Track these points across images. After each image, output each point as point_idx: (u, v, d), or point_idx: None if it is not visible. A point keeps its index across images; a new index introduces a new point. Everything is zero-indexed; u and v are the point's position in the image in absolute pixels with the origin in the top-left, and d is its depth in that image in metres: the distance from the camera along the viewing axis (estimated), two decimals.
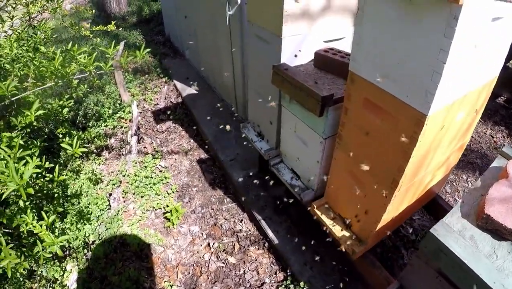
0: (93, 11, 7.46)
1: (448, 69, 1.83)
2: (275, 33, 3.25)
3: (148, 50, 3.91)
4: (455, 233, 2.26)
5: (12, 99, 3.24)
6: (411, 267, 2.66)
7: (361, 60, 2.35)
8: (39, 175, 3.39)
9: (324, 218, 3.25)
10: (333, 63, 3.13)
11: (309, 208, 3.48)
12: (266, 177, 4.02)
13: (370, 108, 2.42)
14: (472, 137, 6.09)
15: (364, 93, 2.41)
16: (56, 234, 3.43)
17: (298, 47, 3.36)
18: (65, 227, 4.09)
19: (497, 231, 2.27)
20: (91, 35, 4.53)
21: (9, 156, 2.76)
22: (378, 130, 2.42)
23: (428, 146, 2.34)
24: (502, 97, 7.17)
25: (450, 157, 3.05)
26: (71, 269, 3.89)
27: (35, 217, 3.09)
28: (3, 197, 2.56)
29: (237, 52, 4.95)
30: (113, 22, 4.76)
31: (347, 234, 3.11)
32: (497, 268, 2.06)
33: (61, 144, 3.55)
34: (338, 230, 3.15)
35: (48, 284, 3.74)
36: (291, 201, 3.70)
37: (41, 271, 3.74)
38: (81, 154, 3.65)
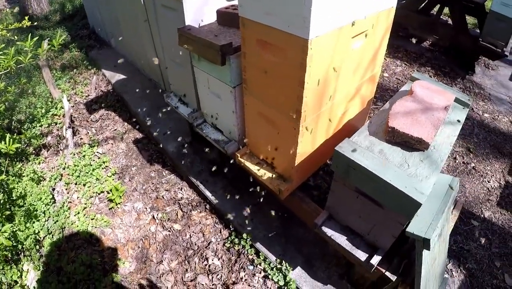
0: (15, 15, 7.32)
1: None
2: None
3: (63, 37, 3.92)
4: (361, 148, 2.37)
5: None
6: (332, 193, 2.77)
7: (246, 4, 2.46)
8: None
9: (248, 164, 3.35)
10: (233, 17, 3.22)
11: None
12: (199, 144, 4.09)
13: (263, 47, 2.53)
14: (399, 79, 6.30)
15: (255, 34, 2.52)
16: (6, 236, 3.44)
17: (201, 9, 3.43)
18: (15, 229, 4.09)
19: (406, 143, 2.40)
20: (8, 35, 4.48)
21: None
22: (273, 66, 2.53)
23: (323, 73, 2.45)
24: (427, 42, 7.41)
25: (362, 89, 3.16)
26: (27, 269, 3.89)
27: None
28: None
29: (154, 28, 4.97)
30: (26, 18, 4.71)
31: (272, 175, 3.23)
32: (408, 175, 2.17)
33: None
34: (263, 174, 3.25)
35: (9, 288, 3.75)
36: (220, 155, 3.76)
37: (0, 278, 3.75)
38: (15, 151, 3.66)
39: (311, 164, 3.21)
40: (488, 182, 4.50)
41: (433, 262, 2.66)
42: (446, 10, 7.15)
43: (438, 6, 7.09)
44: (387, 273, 2.75)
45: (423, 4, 7.08)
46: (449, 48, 7.04)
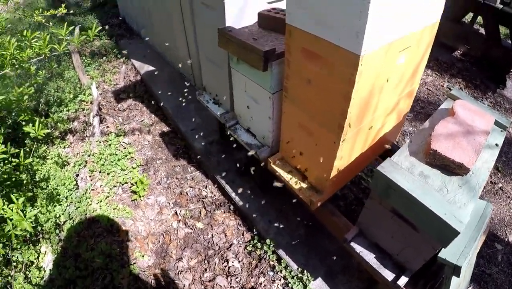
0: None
1: (373, 9, 1.89)
2: None
3: (99, 28, 3.93)
4: (403, 170, 2.33)
5: None
6: (367, 210, 2.74)
7: (295, 12, 2.42)
8: (5, 161, 3.41)
9: (281, 172, 3.33)
10: (275, 21, 3.20)
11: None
12: (227, 142, 4.08)
13: (309, 57, 2.49)
14: (429, 90, 6.23)
15: (301, 43, 2.49)
16: (28, 217, 3.47)
17: (242, 10, 3.42)
18: (36, 210, 4.12)
19: (446, 167, 2.35)
20: (43, 21, 4.50)
21: None
22: (319, 78, 2.50)
23: (369, 89, 2.41)
24: (458, 51, 7.31)
25: (400, 103, 3.12)
26: (45, 251, 3.92)
27: (6, 202, 3.12)
28: None
29: (189, 23, 4.97)
30: (63, 5, 4.73)
31: (304, 185, 3.20)
32: (448, 201, 2.13)
33: (24, 128, 3.56)
34: (295, 183, 3.22)
35: (25, 267, 3.78)
36: (248, 157, 3.75)
37: (17, 257, 3.78)
38: (43, 136, 3.68)
39: (344, 177, 3.18)
40: None
41: (458, 286, 2.63)
42: (479, 19, 7.06)
43: (471, 14, 7.00)
44: None
45: (455, 13, 6.97)
46: (480, 59, 6.94)
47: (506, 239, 4.07)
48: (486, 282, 3.67)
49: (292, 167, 3.37)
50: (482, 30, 7.58)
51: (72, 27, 3.93)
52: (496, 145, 2.66)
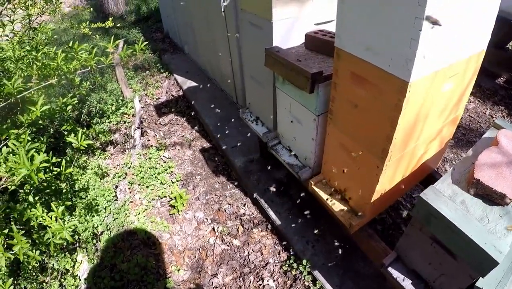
0: (91, 12, 7.49)
1: (424, 36, 1.90)
2: (265, 17, 3.33)
3: (145, 43, 3.99)
4: (445, 198, 2.30)
5: (18, 96, 3.33)
6: (406, 236, 2.71)
7: (345, 36, 2.44)
8: (47, 170, 3.48)
9: (321, 194, 3.32)
10: (322, 43, 3.21)
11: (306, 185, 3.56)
12: (268, 161, 4.09)
13: (357, 81, 2.50)
14: (471, 116, 6.14)
15: (350, 67, 2.50)
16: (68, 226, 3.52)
17: (289, 30, 3.44)
18: (74, 220, 4.19)
19: (488, 196, 2.31)
20: (90, 33, 4.61)
21: (17, 148, 2.85)
22: (365, 102, 2.50)
23: (415, 115, 2.41)
24: (501, 78, 7.18)
25: (443, 131, 3.09)
26: (81, 260, 3.98)
27: (45, 210, 3.19)
28: (16, 182, 2.66)
29: (233, 41, 5.03)
30: (110, 19, 4.85)
31: (344, 208, 3.18)
32: (488, 231, 2.09)
33: (66, 138, 3.63)
34: (335, 205, 3.21)
35: (60, 275, 3.84)
36: (288, 176, 3.75)
37: (53, 264, 3.84)
38: (86, 147, 3.74)
39: (385, 201, 3.15)
40: None
41: None
42: None
43: None
44: None
45: (500, 39, 6.87)
46: None
47: None
48: None
49: (332, 189, 3.36)
50: None
51: (118, 41, 4.00)
52: None
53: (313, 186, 3.39)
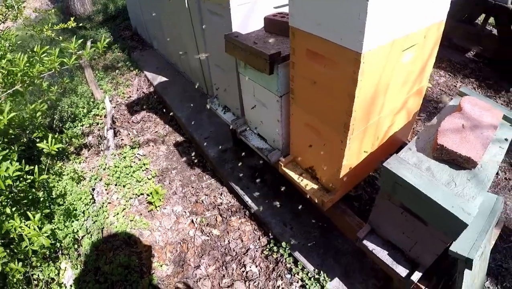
0: (58, 15, 7.41)
1: (372, 7, 1.91)
2: (223, 4, 3.34)
3: (108, 40, 3.96)
4: (409, 165, 2.32)
5: None
6: (377, 207, 2.74)
7: (297, 14, 2.45)
8: (21, 179, 3.45)
9: (292, 174, 3.34)
10: (280, 25, 3.21)
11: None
12: (241, 149, 4.10)
13: (313, 58, 2.51)
14: (442, 90, 6.19)
15: (305, 44, 2.50)
16: (47, 236, 3.49)
17: (248, 15, 3.44)
18: (54, 227, 4.15)
19: (454, 161, 2.34)
20: (53, 35, 4.54)
21: None
22: (323, 78, 2.51)
23: (374, 87, 2.42)
24: (471, 52, 7.26)
25: (409, 102, 3.11)
26: (65, 267, 3.96)
27: (23, 220, 3.15)
28: None
29: (199, 32, 5.00)
30: (72, 19, 4.78)
31: (315, 186, 3.21)
32: (456, 194, 2.12)
33: (37, 145, 3.59)
34: (306, 184, 3.24)
35: (46, 285, 3.81)
36: (261, 162, 3.75)
37: (38, 274, 3.81)
38: (57, 151, 3.70)
39: (355, 176, 3.18)
40: None
41: (473, 280, 2.61)
42: (491, 19, 6.99)
43: (483, 15, 6.95)
44: None
45: (467, 14, 6.93)
46: (493, 59, 6.87)
47: None
48: (504, 276, 3.62)
49: (303, 169, 3.38)
50: (494, 31, 7.52)
51: (80, 40, 3.95)
52: (506, 140, 2.63)
53: (283, 167, 3.41)
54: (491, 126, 2.49)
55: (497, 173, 4.63)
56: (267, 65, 2.85)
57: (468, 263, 2.18)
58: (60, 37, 4.75)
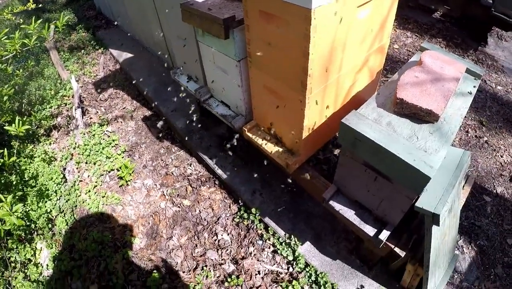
0: (21, 0, 7.25)
1: None
2: None
3: (67, 17, 3.92)
4: (369, 120, 2.33)
5: None
6: (340, 166, 2.74)
7: None
8: None
9: (256, 139, 3.35)
10: None
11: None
12: (208, 119, 4.10)
13: (266, 19, 2.49)
14: (409, 51, 6.23)
15: (257, 5, 2.48)
16: (18, 216, 3.48)
17: None
18: (28, 209, 4.15)
19: (415, 115, 2.34)
20: (13, 19, 4.49)
21: None
22: (277, 38, 2.50)
23: (329, 44, 2.41)
24: (438, 12, 7.27)
25: (370, 60, 3.11)
26: (41, 247, 3.97)
27: None
28: None
29: (160, 4, 4.95)
30: (31, 0, 4.71)
31: (279, 149, 3.22)
32: (418, 148, 2.12)
33: (5, 128, 3.57)
34: (271, 148, 3.25)
35: (23, 266, 3.82)
36: (228, 130, 3.75)
37: (14, 257, 3.82)
38: (25, 132, 3.68)
39: (319, 137, 3.19)
40: (501, 156, 4.44)
41: (443, 238, 2.64)
42: None
43: None
44: (396, 249, 2.76)
45: None
46: (460, 18, 6.89)
47: (494, 191, 4.08)
48: (477, 234, 3.68)
49: (266, 133, 3.38)
50: None
51: (40, 20, 3.91)
52: (469, 93, 2.65)
53: (247, 132, 3.41)
54: (453, 79, 2.49)
55: (467, 131, 4.69)
56: (222, 29, 2.83)
57: (435, 218, 2.19)
58: (22, 21, 4.70)
